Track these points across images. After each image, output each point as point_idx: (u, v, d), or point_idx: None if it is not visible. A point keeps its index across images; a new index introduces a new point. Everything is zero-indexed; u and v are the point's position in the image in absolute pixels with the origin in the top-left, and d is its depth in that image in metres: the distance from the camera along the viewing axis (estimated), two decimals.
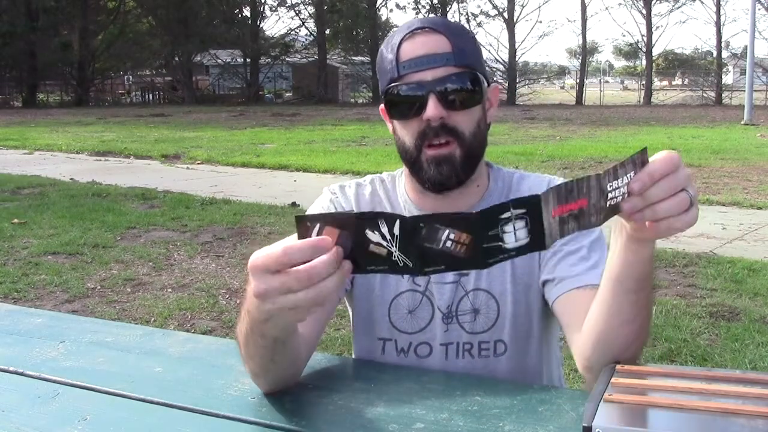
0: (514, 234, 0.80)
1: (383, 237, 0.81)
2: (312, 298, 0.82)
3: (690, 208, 0.86)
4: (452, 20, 1.34)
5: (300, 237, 0.83)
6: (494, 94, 1.30)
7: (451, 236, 0.80)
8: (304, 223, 0.83)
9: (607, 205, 0.86)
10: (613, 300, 1.02)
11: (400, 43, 1.22)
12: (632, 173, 0.86)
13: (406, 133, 1.25)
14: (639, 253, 0.96)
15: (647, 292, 1.01)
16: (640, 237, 0.93)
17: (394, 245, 0.81)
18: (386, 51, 1.25)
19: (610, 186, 0.85)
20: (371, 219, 0.81)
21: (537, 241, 0.81)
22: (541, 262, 1.28)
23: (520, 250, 0.81)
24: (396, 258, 0.82)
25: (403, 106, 1.22)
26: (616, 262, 0.99)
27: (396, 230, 0.81)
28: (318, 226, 0.82)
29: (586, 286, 1.18)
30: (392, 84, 1.22)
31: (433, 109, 1.18)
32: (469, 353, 1.30)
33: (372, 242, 0.82)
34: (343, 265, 0.82)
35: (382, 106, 1.30)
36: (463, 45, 1.22)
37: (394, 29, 1.30)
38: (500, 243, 0.80)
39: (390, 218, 0.81)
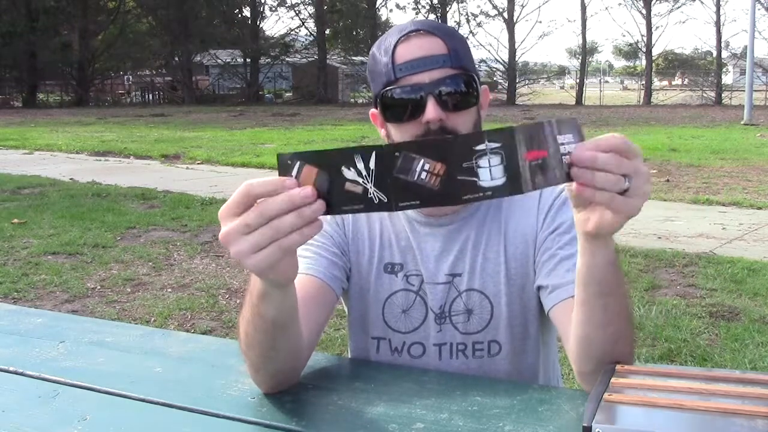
0: (490, 171, 0.78)
1: (359, 174, 0.81)
2: (270, 236, 0.82)
3: (626, 193, 0.86)
4: (444, 24, 1.34)
5: (281, 175, 0.83)
6: (485, 97, 1.31)
7: (426, 167, 0.79)
8: (284, 162, 0.84)
9: (562, 161, 0.84)
10: (584, 304, 1.02)
11: (395, 46, 1.21)
12: (571, 136, 0.85)
13: (401, 136, 1.23)
14: (597, 255, 0.96)
15: (617, 297, 1.01)
16: (588, 230, 0.92)
17: (369, 181, 0.81)
18: (380, 54, 1.24)
19: (561, 139, 0.84)
20: (348, 154, 0.82)
21: (514, 184, 0.79)
22: (536, 265, 1.28)
23: (497, 191, 0.79)
24: (372, 195, 0.81)
25: (400, 109, 1.21)
26: (579, 266, 0.99)
27: (372, 164, 0.81)
28: (298, 164, 0.83)
29: None
30: (388, 87, 1.21)
31: (432, 111, 1.18)
32: (463, 353, 1.30)
33: (348, 180, 0.82)
34: (303, 209, 0.82)
35: (373, 110, 1.29)
36: (458, 47, 1.22)
37: (387, 31, 1.29)
38: (475, 179, 0.79)
39: (366, 151, 0.81)
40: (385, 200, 0.81)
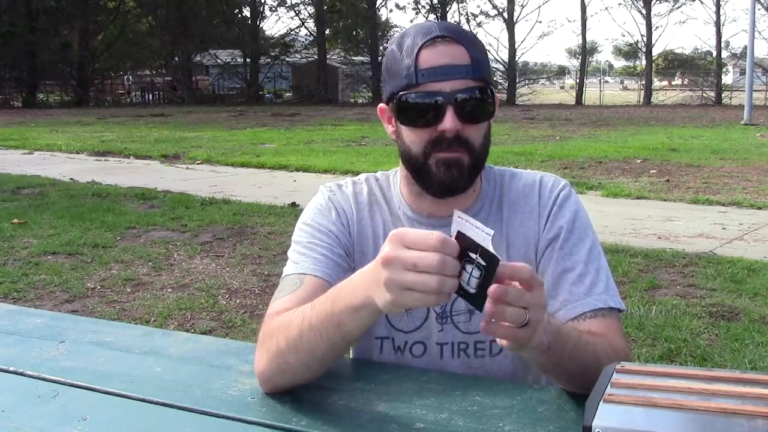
0: (470, 277, 0.88)
1: None
2: (433, 285, 0.87)
3: (525, 327, 0.92)
4: (467, 30, 1.32)
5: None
6: (496, 102, 1.31)
7: None
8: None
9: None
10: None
11: (420, 49, 1.20)
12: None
13: (415, 139, 1.23)
14: (522, 353, 1.01)
15: (564, 366, 1.06)
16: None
17: None
18: (400, 53, 1.22)
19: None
20: None
21: (477, 301, 0.89)
22: (540, 268, 1.28)
23: (466, 296, 0.89)
24: None
25: (418, 114, 1.21)
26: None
27: None
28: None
29: (582, 315, 1.21)
30: (408, 90, 1.20)
31: (450, 121, 1.18)
32: (465, 353, 1.30)
33: None
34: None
35: (382, 105, 1.29)
36: (479, 56, 1.21)
37: (407, 29, 1.28)
38: (459, 278, 0.89)
39: None
40: None
